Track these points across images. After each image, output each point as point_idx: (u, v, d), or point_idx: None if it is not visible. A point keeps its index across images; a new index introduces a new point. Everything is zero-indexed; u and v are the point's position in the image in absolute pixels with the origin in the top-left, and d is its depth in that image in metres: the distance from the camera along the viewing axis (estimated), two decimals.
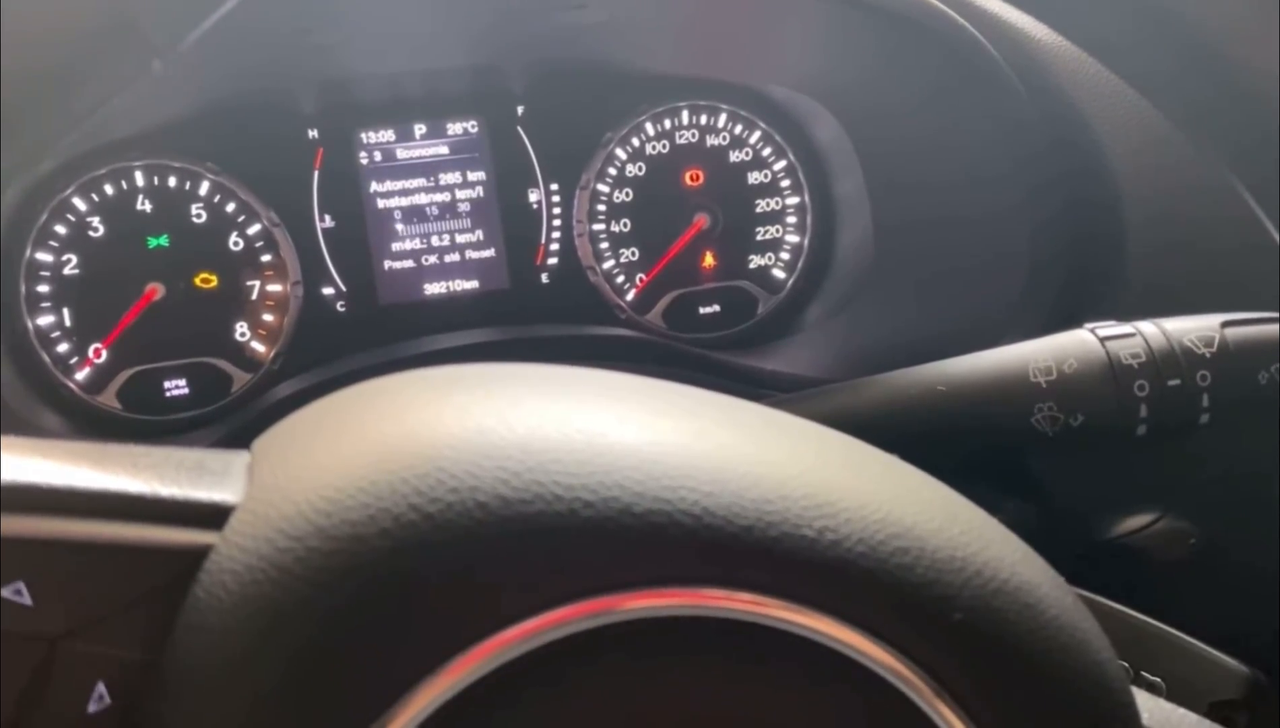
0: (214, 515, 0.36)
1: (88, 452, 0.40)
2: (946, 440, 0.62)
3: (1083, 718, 0.39)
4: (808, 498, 0.39)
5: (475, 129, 1.01)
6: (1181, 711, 0.49)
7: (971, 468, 0.61)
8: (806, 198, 1.06)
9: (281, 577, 0.36)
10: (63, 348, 0.94)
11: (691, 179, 1.04)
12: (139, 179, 0.94)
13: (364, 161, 0.99)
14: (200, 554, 0.35)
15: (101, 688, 0.37)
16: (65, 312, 0.94)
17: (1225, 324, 0.60)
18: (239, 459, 0.40)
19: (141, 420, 0.95)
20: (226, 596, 0.36)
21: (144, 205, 0.94)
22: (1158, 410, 0.59)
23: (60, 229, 0.93)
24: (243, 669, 0.36)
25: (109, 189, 0.94)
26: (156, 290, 0.94)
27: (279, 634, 0.35)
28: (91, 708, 0.37)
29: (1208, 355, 0.59)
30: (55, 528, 0.36)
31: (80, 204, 0.93)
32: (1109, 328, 0.61)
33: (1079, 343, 0.61)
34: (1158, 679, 0.65)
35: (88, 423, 0.94)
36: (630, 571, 0.36)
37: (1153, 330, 0.60)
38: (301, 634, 0.35)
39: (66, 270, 0.93)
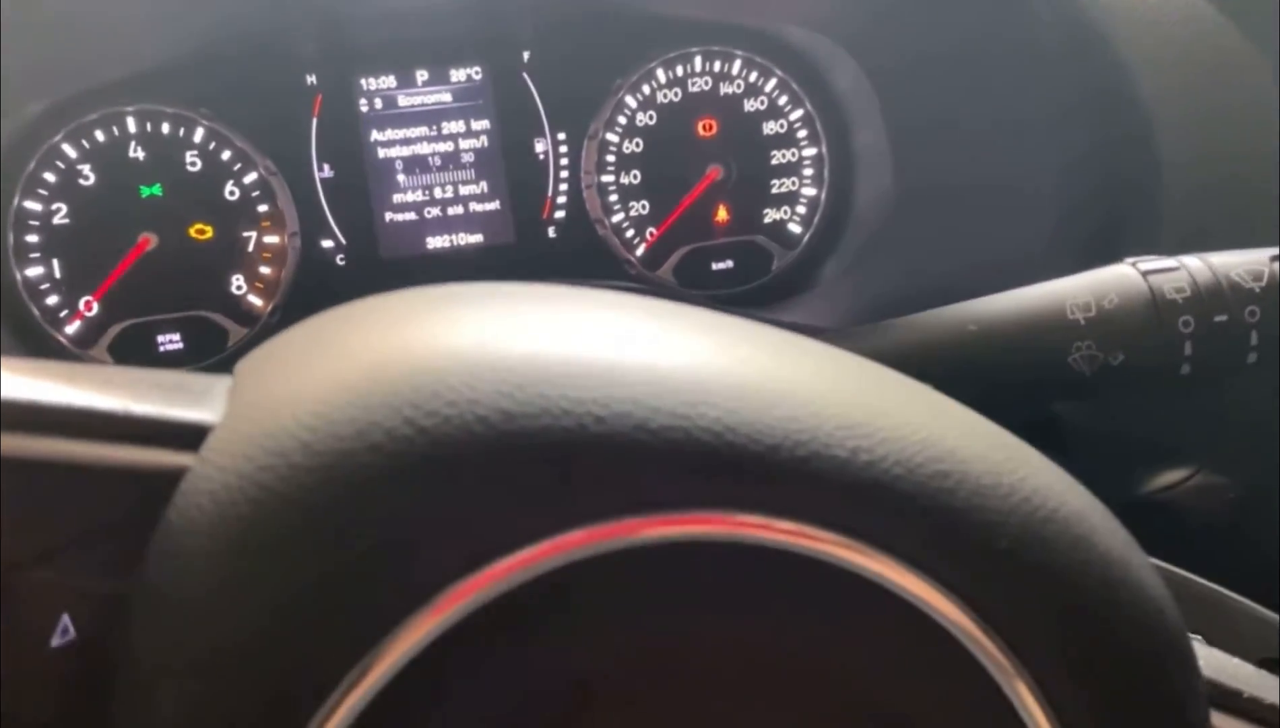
0: (190, 435, 0.33)
1: (55, 369, 0.37)
2: (977, 383, 0.58)
3: (1136, 657, 0.36)
4: (839, 417, 0.36)
5: (479, 75, 0.97)
6: (1236, 660, 0.46)
7: (1002, 418, 0.57)
8: (824, 149, 1.02)
9: (263, 496, 0.32)
10: (52, 300, 0.92)
11: (704, 129, 1.00)
12: (131, 125, 0.91)
13: (364, 109, 0.96)
14: (175, 476, 0.32)
15: (66, 621, 0.34)
16: (55, 263, 0.91)
17: (1276, 258, 0.56)
18: (220, 381, 0.38)
19: None
20: (203, 519, 0.33)
21: (136, 153, 0.91)
22: (1203, 348, 0.55)
23: (49, 177, 0.90)
24: (222, 598, 0.32)
25: (100, 136, 0.91)
26: (149, 241, 0.91)
27: (261, 559, 0.32)
28: (55, 642, 0.34)
29: (1257, 290, 0.55)
30: (10, 446, 0.33)
31: (70, 151, 0.91)
32: (1151, 262, 0.57)
33: (1120, 278, 0.57)
34: (1198, 636, 0.61)
35: None
36: (645, 492, 0.33)
37: (1198, 265, 0.56)
38: (286, 558, 0.32)
39: (56, 220, 0.91)
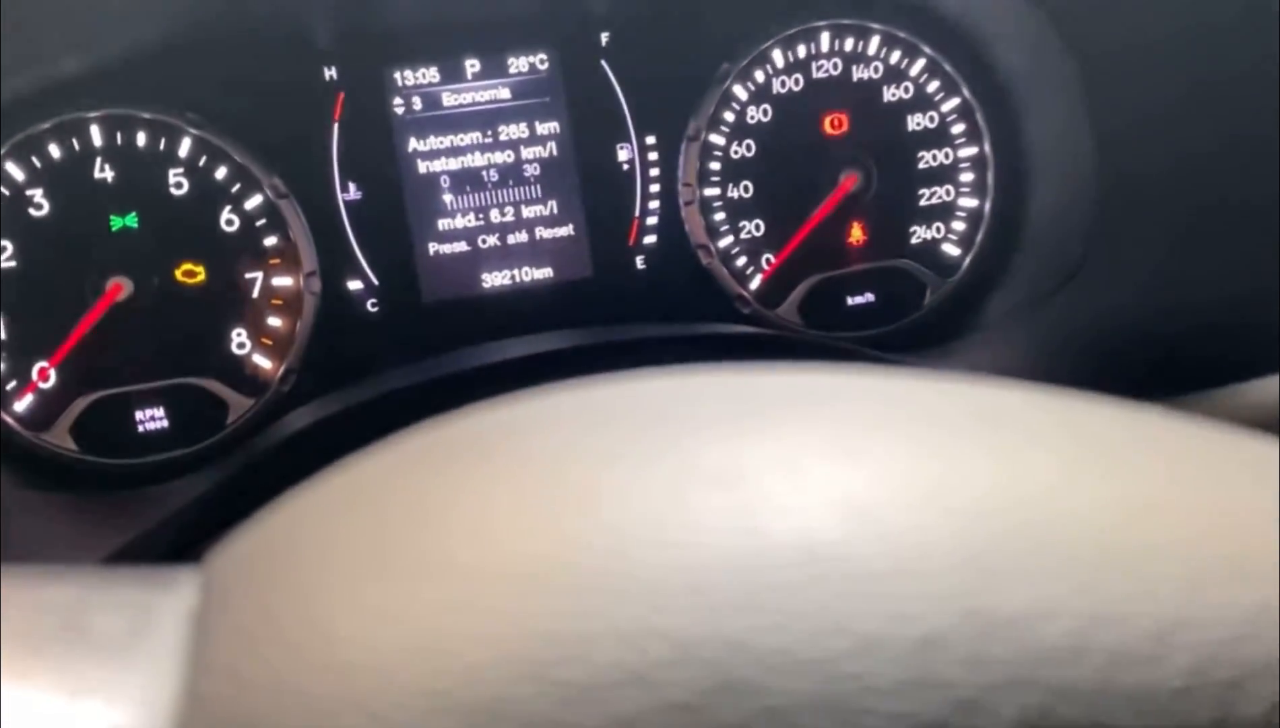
0: None
1: None
2: None
3: None
4: None
5: (545, 65, 0.87)
6: None
7: None
8: (987, 148, 0.89)
9: None
10: None
11: (834, 126, 0.88)
12: (96, 137, 0.80)
13: (399, 110, 0.85)
14: None
15: None
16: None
17: None
18: (172, 597, 0.19)
19: (105, 466, 0.82)
20: None
21: (103, 172, 0.80)
22: None
23: None
24: None
25: (55, 151, 0.80)
26: (122, 287, 0.81)
27: None
28: None
29: None
30: None
31: (16, 172, 0.79)
32: None
33: None
34: None
35: (33, 470, 0.79)
36: None
37: None
38: None
39: (0, 262, 0.79)
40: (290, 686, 0.15)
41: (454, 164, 0.86)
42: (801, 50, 0.88)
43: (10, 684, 0.17)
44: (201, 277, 0.82)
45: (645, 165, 0.88)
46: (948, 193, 0.89)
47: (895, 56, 0.88)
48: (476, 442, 0.20)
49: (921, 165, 0.89)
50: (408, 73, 0.84)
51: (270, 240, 0.83)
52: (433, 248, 0.86)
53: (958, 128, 0.89)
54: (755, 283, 0.89)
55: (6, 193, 0.78)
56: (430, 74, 0.85)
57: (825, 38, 0.87)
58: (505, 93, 0.86)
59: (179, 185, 0.81)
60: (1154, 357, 0.77)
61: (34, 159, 0.79)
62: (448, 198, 0.86)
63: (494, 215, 0.87)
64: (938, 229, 0.90)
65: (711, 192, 0.88)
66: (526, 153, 0.87)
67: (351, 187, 0.85)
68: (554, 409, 0.20)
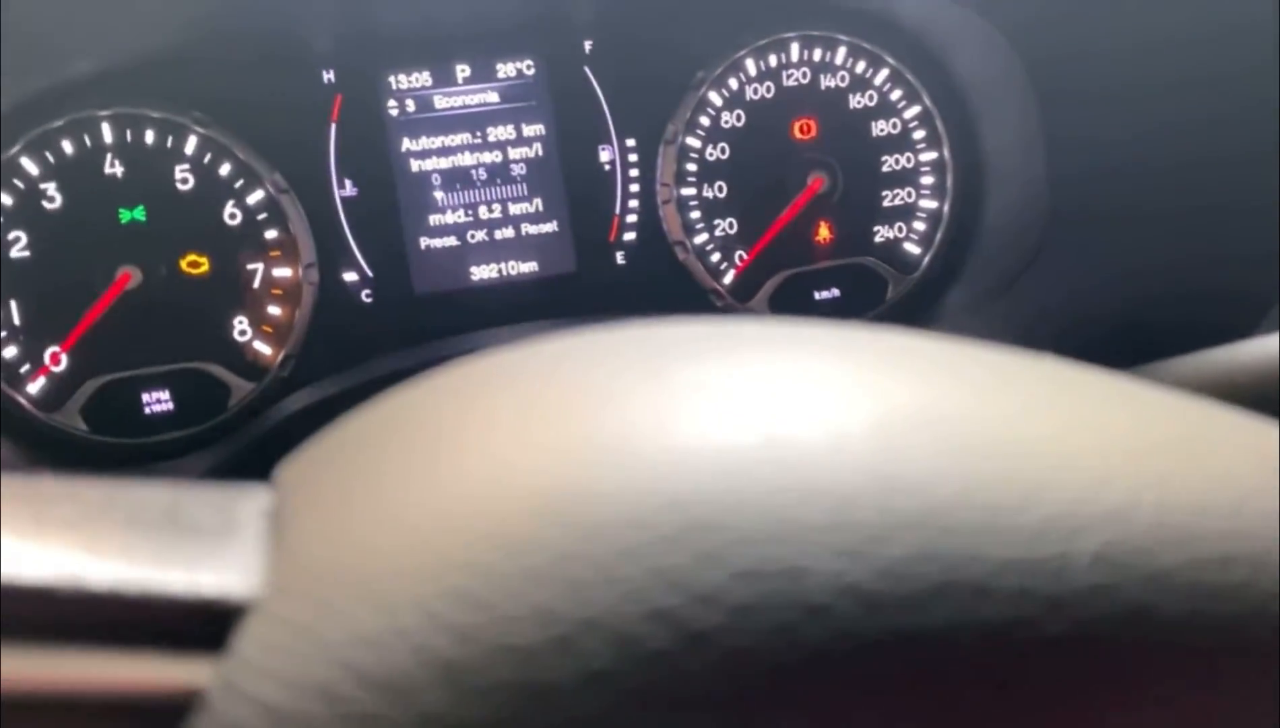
0: (202, 626, 0.20)
1: None
2: None
3: None
4: None
5: (532, 70, 0.88)
6: None
7: None
8: (946, 152, 0.91)
9: None
10: (10, 353, 0.81)
11: (803, 131, 0.90)
12: (106, 134, 0.81)
13: (393, 112, 0.86)
14: (173, 712, 0.19)
15: None
16: (13, 306, 0.81)
17: None
18: (250, 503, 0.24)
19: (113, 445, 0.83)
20: None
21: (113, 168, 0.81)
22: None
23: (5, 199, 0.80)
24: None
25: (68, 147, 0.81)
26: (130, 277, 0.82)
27: None
28: None
29: None
30: None
31: (31, 166, 0.80)
32: None
33: None
34: None
35: (44, 449, 0.81)
36: None
37: None
38: None
39: (14, 252, 0.80)
40: (348, 560, 0.20)
41: (445, 163, 0.86)
42: (773, 59, 0.88)
43: (123, 558, 0.21)
44: (206, 267, 0.82)
45: (625, 166, 0.88)
46: (909, 195, 0.91)
47: (860, 66, 0.89)
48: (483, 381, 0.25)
49: (885, 169, 0.90)
50: (402, 77, 0.85)
51: (271, 233, 0.84)
52: (424, 242, 0.87)
53: (919, 134, 0.90)
54: (728, 278, 0.90)
55: (21, 186, 0.79)
56: (423, 78, 0.85)
57: (795, 48, 0.88)
58: (494, 97, 0.86)
59: (185, 181, 0.82)
60: (1098, 337, 0.80)
61: (47, 155, 0.79)
62: (439, 195, 0.87)
63: (482, 212, 0.87)
64: (900, 229, 0.91)
65: (688, 191, 0.89)
66: (513, 153, 0.87)
67: (348, 183, 0.85)
68: (558, 351, 0.24)
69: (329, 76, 0.84)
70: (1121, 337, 0.76)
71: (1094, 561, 0.17)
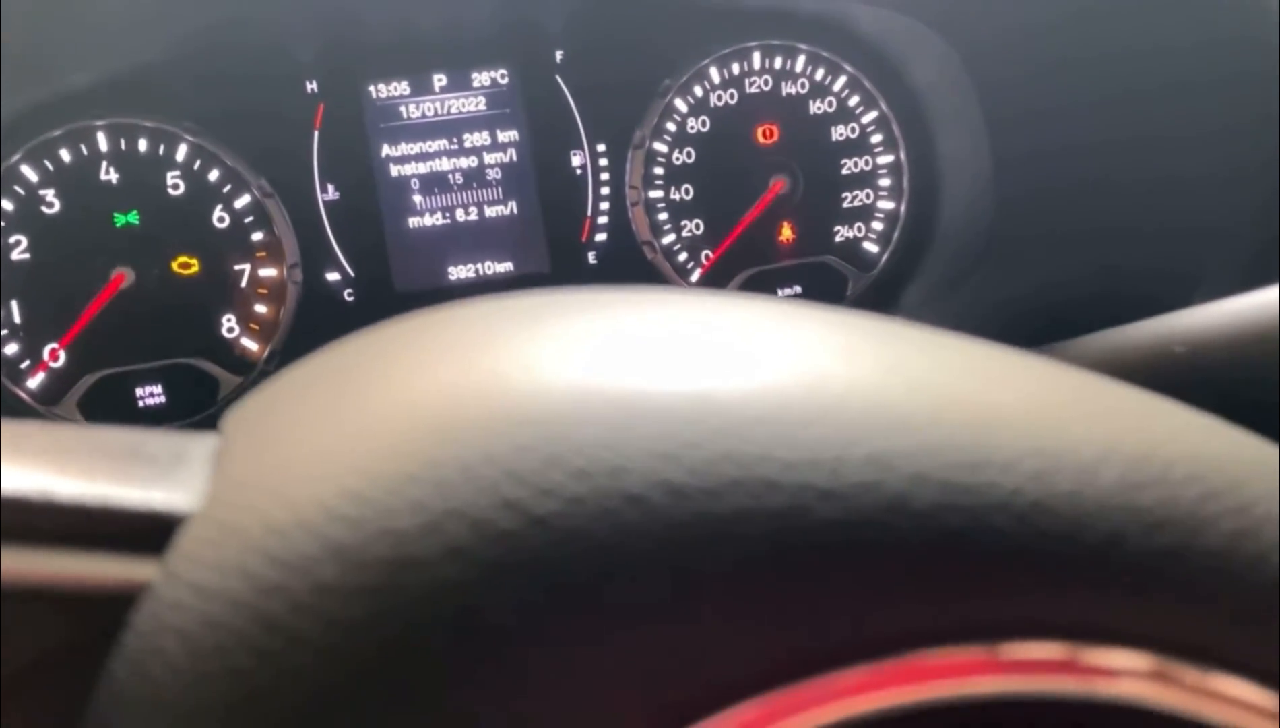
0: (151, 532, 0.24)
1: None
2: None
3: None
4: (1193, 477, 0.21)
5: (505, 79, 0.89)
6: None
7: None
8: (903, 155, 0.94)
9: (266, 640, 0.21)
10: (11, 349, 0.83)
11: (765, 135, 0.92)
12: (102, 143, 0.83)
13: (373, 120, 0.88)
14: (125, 600, 0.23)
15: None
16: (14, 305, 0.82)
17: None
18: (200, 442, 0.28)
19: None
20: (167, 673, 0.21)
21: (109, 175, 0.83)
22: None
23: (6, 204, 0.82)
24: None
25: (65, 155, 0.82)
26: (124, 277, 0.83)
27: None
28: None
29: None
30: None
31: (30, 173, 0.82)
32: None
33: None
34: None
35: None
36: (903, 615, 0.19)
37: None
38: None
39: (15, 255, 0.82)
40: (269, 476, 0.24)
41: (423, 168, 0.88)
42: (736, 68, 0.90)
43: (89, 478, 0.25)
44: (196, 268, 0.84)
45: (596, 170, 0.90)
46: (868, 196, 0.93)
47: (820, 74, 0.91)
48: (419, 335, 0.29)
49: (844, 171, 0.93)
50: (381, 86, 0.87)
51: (257, 235, 0.85)
52: (404, 243, 0.88)
53: (876, 137, 0.93)
54: (695, 276, 0.92)
55: (22, 193, 0.81)
56: (402, 87, 0.87)
57: (757, 56, 0.90)
58: (469, 104, 0.88)
59: (176, 186, 0.83)
60: (1042, 323, 0.83)
61: (46, 162, 0.81)
62: (417, 198, 0.88)
63: (459, 215, 0.89)
64: (859, 228, 0.94)
65: (656, 194, 0.91)
66: (489, 158, 0.89)
67: (330, 188, 0.87)
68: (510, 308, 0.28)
69: (312, 87, 0.86)
70: (1066, 326, 0.79)
71: (865, 462, 0.21)
